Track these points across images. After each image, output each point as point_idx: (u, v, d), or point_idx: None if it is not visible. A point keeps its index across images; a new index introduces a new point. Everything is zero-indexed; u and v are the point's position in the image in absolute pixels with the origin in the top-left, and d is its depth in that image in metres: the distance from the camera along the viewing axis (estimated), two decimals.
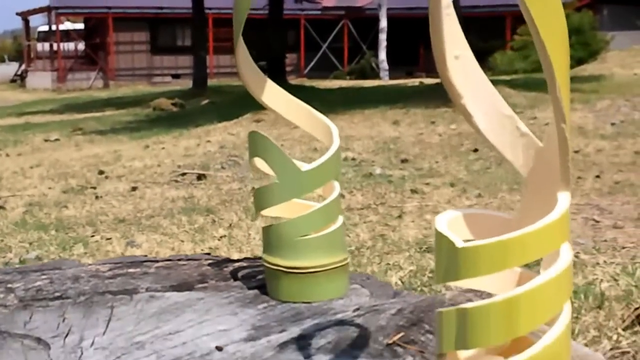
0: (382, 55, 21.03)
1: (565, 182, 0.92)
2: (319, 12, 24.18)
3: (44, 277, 1.71)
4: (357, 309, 1.46)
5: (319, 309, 1.48)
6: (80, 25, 29.07)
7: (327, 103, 11.59)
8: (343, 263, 1.60)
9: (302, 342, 1.31)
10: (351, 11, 24.33)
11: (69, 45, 26.74)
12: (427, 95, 12.69)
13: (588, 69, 15.41)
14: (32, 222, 5.13)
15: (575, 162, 6.63)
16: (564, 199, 0.91)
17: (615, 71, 14.63)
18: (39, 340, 1.33)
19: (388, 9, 21.43)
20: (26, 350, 1.29)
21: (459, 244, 0.86)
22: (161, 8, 23.71)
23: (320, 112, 1.70)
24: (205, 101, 16.15)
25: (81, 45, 26.93)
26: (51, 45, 25.99)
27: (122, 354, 1.27)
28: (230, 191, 5.96)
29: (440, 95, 12.26)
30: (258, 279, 1.68)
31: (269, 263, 1.59)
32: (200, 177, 6.62)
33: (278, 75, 15.94)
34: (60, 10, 24.66)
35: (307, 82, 20.25)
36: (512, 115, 1.02)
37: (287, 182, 1.57)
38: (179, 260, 1.87)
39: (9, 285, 1.65)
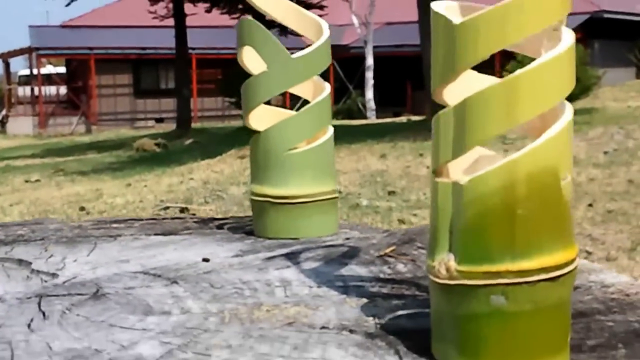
0: (369, 94, 20.97)
1: None
2: None
3: (25, 228, 1.72)
4: (348, 239, 1.47)
5: (308, 241, 1.49)
6: (62, 69, 29.09)
7: None
8: (332, 195, 1.59)
9: (291, 255, 1.32)
10: (337, 50, 24.39)
11: (51, 90, 26.72)
12: (415, 129, 12.71)
13: (580, 103, 15.47)
14: None
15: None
16: None
17: (607, 104, 14.70)
18: (20, 261, 1.34)
19: (374, 47, 21.42)
20: (7, 270, 1.30)
21: (456, 20, 0.84)
22: (144, 49, 23.68)
23: None
24: (189, 141, 16.17)
25: (63, 89, 26.92)
26: (32, 90, 26.00)
27: (105, 264, 1.28)
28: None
29: (428, 129, 12.22)
30: (245, 229, 1.68)
31: (257, 195, 1.58)
32: (183, 210, 6.62)
33: None
34: (41, 51, 24.62)
35: None
36: None
37: (277, 70, 1.55)
38: (164, 219, 1.88)
39: None
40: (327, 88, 1.60)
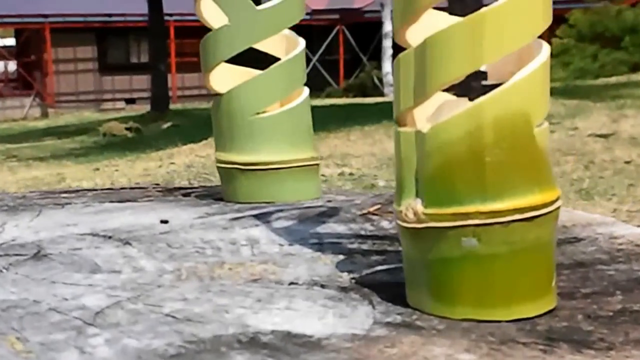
0: (387, 66, 20.60)
1: None
2: (308, 17, 23.95)
3: None
4: (329, 201, 1.55)
5: (284, 204, 1.56)
6: (11, 41, 29.11)
7: (317, 121, 11.60)
8: (311, 162, 1.64)
9: (261, 215, 1.40)
10: (347, 14, 24.15)
11: None
12: None
13: None
14: None
15: (626, 173, 6.71)
16: None
17: None
18: None
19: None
20: None
21: None
22: (110, 15, 23.54)
23: None
24: (167, 125, 16.23)
25: (12, 65, 26.90)
26: None
27: (50, 228, 1.36)
28: None
29: None
30: (215, 197, 1.74)
31: (223, 162, 1.63)
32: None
33: None
34: None
35: None
36: None
37: (240, 23, 1.60)
38: (122, 188, 1.95)
39: None
40: (302, 43, 1.66)
